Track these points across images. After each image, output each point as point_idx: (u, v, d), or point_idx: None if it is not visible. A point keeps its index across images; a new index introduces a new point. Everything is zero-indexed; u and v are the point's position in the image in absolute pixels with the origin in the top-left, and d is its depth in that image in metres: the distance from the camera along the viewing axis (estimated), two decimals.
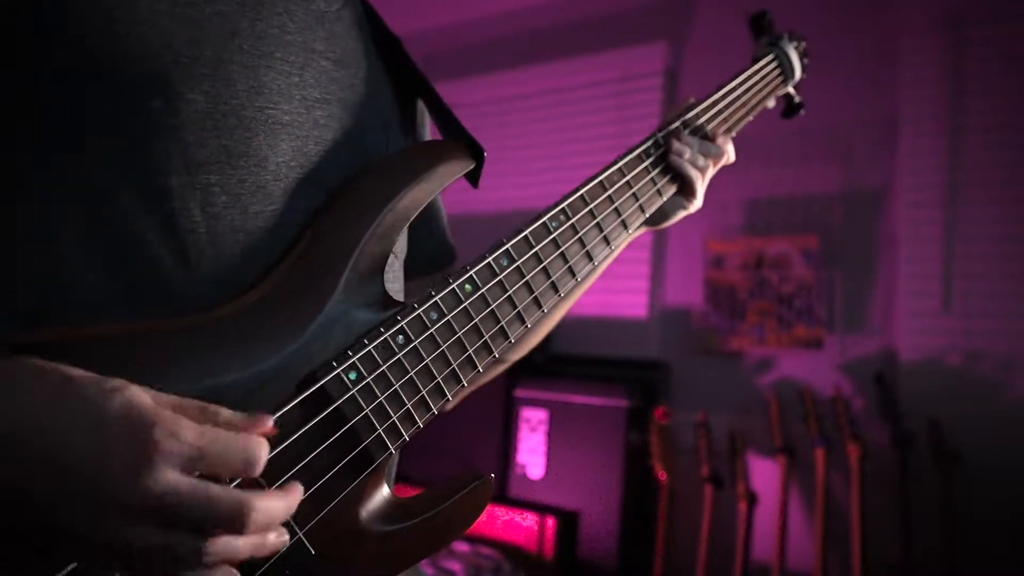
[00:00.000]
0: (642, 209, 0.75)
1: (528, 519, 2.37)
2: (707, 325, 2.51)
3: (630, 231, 0.74)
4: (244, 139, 0.53)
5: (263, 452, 0.42)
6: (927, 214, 2.24)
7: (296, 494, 0.46)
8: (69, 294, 0.49)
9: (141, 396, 0.40)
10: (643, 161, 0.76)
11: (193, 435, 0.40)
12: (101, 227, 0.49)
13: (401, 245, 0.70)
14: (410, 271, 0.77)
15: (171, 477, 0.39)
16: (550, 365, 2.72)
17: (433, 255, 0.82)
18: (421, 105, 0.76)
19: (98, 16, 0.48)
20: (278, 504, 0.43)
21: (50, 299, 0.48)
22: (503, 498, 2.52)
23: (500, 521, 2.41)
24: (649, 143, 0.78)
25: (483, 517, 2.39)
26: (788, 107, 1.02)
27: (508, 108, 3.03)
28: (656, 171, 0.77)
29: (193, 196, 0.51)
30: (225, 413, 0.43)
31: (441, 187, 0.62)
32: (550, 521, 2.33)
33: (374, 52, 0.70)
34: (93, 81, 0.48)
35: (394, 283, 0.66)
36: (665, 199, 0.79)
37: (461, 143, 0.65)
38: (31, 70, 0.48)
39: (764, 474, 2.32)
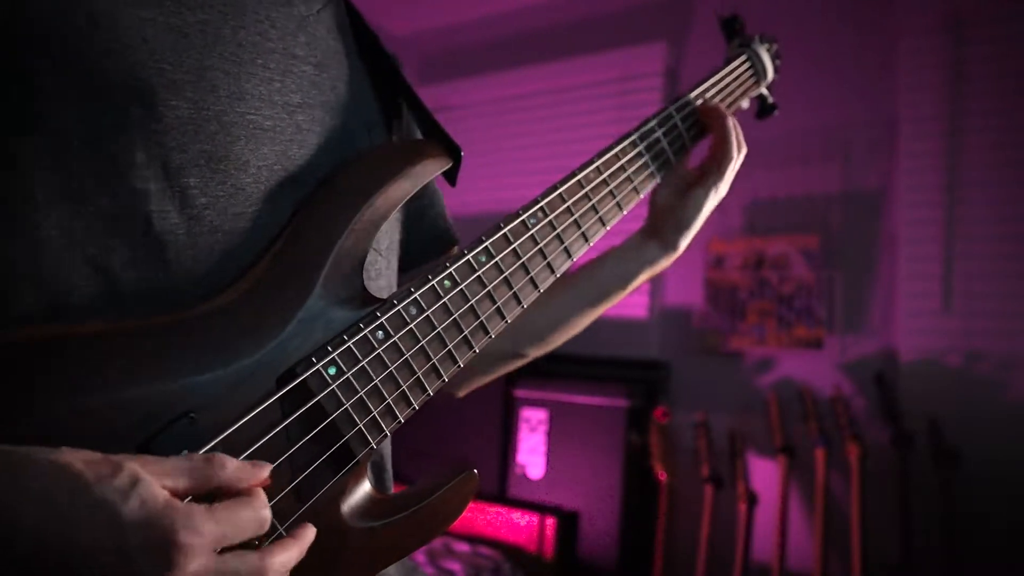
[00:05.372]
0: (619, 206, 0.77)
1: (528, 519, 2.37)
2: (707, 325, 2.51)
3: (607, 226, 0.76)
4: (225, 144, 0.54)
5: (268, 512, 0.45)
6: (927, 214, 2.24)
7: (308, 534, 0.48)
8: (54, 296, 0.49)
9: (154, 492, 0.40)
10: (619, 160, 0.78)
11: (210, 524, 0.41)
12: (82, 229, 0.50)
13: (389, 241, 0.70)
14: (409, 262, 0.78)
15: (196, 569, 0.40)
16: (550, 365, 2.71)
17: (429, 242, 0.83)
18: (403, 101, 0.77)
19: (82, 22, 0.49)
20: (292, 554, 0.46)
21: (36, 301, 0.49)
22: (503, 498, 2.52)
23: (500, 521, 2.41)
24: (626, 143, 0.79)
25: (475, 513, 2.38)
26: (762, 108, 1.04)
27: (508, 108, 3.03)
28: (632, 169, 0.79)
29: (171, 199, 0.52)
30: (230, 464, 0.44)
31: (419, 184, 0.62)
32: (550, 521, 2.33)
33: (355, 51, 0.70)
34: (75, 86, 0.49)
35: (377, 279, 0.66)
36: (642, 195, 0.81)
37: (439, 142, 0.66)
38: (14, 73, 0.48)
39: (764, 474, 2.32)
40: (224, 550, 0.42)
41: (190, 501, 0.42)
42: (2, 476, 0.38)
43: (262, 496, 0.45)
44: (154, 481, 0.40)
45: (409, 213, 0.80)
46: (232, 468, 0.44)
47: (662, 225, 0.86)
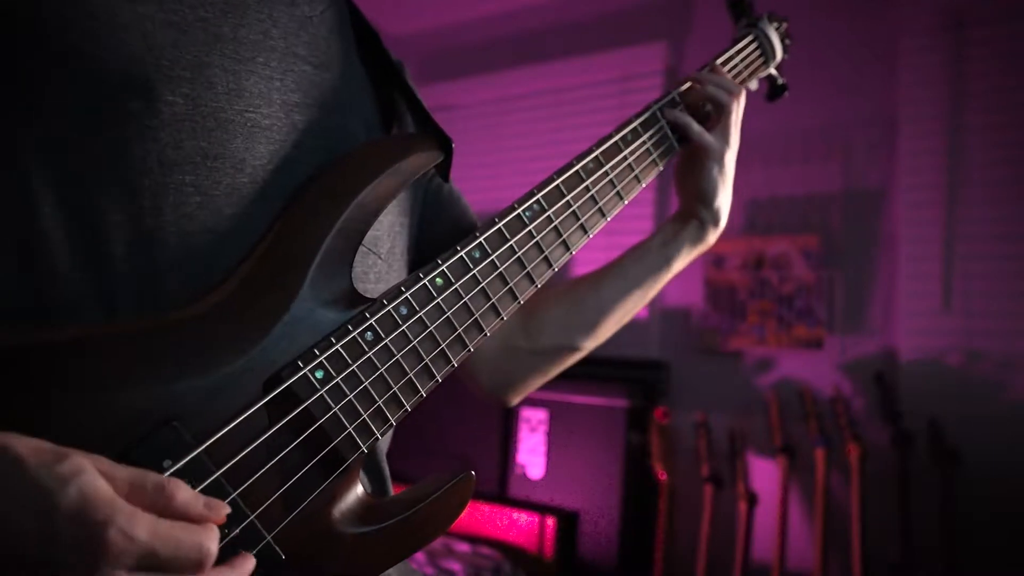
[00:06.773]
0: (620, 195, 0.75)
1: (528, 519, 2.37)
2: (707, 325, 2.51)
3: (607, 217, 0.73)
4: (222, 141, 0.53)
5: (215, 546, 0.41)
6: (927, 214, 2.24)
7: (246, 565, 0.45)
8: (43, 293, 0.49)
9: (96, 485, 0.37)
10: (621, 149, 0.75)
11: (147, 534, 0.37)
12: (75, 225, 0.49)
13: (390, 244, 0.68)
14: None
15: None
16: None
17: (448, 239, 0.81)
18: (402, 102, 0.75)
19: (81, 17, 0.49)
20: None
21: (25, 298, 0.49)
22: (503, 498, 2.52)
23: (500, 521, 2.41)
24: (626, 130, 0.76)
25: (475, 513, 2.36)
26: (772, 89, 1.00)
27: (508, 108, 3.03)
28: (633, 158, 0.76)
29: (165, 196, 0.51)
30: (183, 494, 0.41)
31: (409, 180, 0.61)
32: (550, 521, 2.33)
33: (356, 52, 0.70)
34: (74, 81, 0.49)
35: (376, 284, 0.65)
36: (644, 184, 0.78)
37: (430, 135, 0.65)
38: (13, 67, 0.48)
39: (764, 474, 2.32)
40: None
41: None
42: None
43: (215, 530, 0.41)
44: (100, 475, 0.38)
45: (423, 217, 0.78)
46: (184, 496, 0.40)
47: (690, 204, 0.87)
